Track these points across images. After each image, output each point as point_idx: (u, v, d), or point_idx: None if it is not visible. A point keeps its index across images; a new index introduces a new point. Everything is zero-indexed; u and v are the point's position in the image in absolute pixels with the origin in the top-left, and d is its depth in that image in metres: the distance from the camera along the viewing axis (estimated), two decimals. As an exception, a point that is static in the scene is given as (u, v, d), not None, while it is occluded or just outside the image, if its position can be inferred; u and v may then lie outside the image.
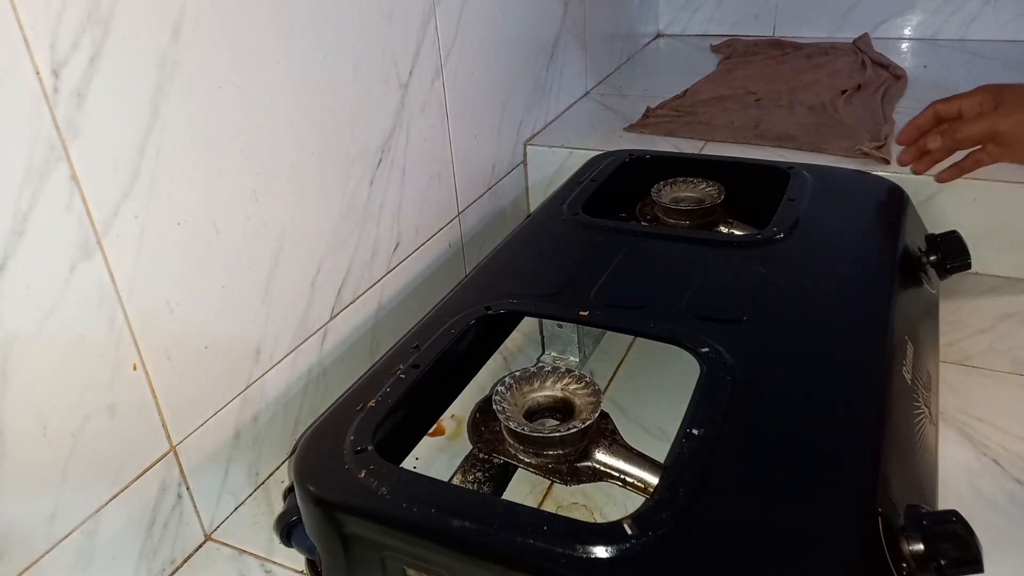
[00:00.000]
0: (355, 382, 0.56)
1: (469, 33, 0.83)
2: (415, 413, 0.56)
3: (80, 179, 0.45)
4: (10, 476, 0.45)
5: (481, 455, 0.55)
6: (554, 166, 1.00)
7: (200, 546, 0.59)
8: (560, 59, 1.08)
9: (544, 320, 0.61)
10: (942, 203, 0.82)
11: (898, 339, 0.58)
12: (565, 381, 0.55)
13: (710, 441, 0.47)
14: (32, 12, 0.41)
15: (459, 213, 0.87)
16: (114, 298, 0.49)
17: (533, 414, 0.55)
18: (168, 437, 0.54)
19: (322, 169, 0.65)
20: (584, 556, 0.40)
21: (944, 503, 0.56)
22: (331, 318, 0.69)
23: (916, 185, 0.82)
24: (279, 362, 0.63)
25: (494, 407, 0.53)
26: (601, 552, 0.40)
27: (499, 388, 0.54)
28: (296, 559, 0.57)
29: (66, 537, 0.49)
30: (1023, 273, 0.82)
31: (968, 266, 0.73)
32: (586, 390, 0.54)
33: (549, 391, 0.55)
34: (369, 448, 0.48)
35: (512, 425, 0.51)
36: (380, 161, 0.71)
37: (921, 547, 0.41)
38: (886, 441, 0.48)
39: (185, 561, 0.58)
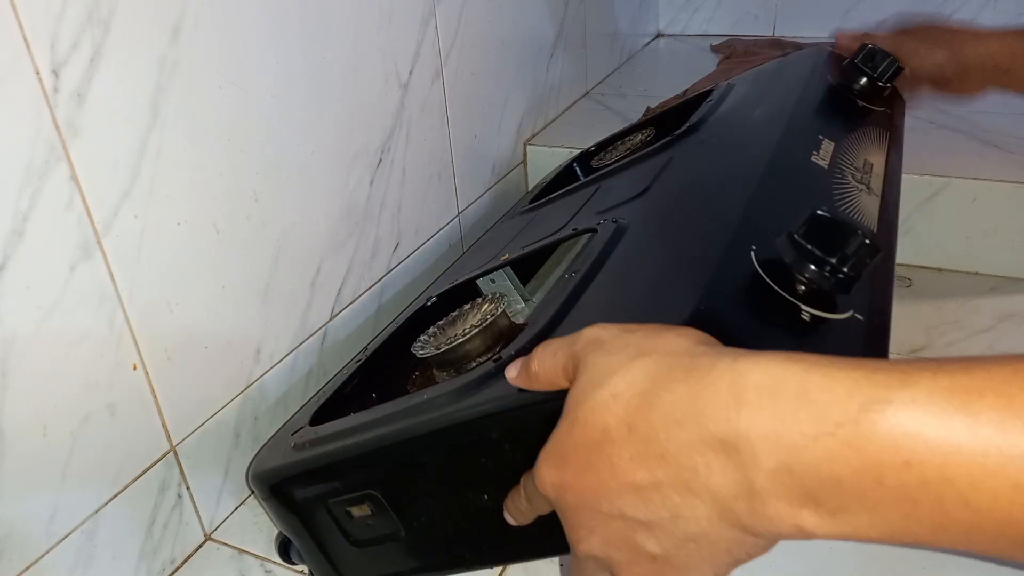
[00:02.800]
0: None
1: (469, 33, 0.83)
2: (358, 394, 0.56)
3: (80, 179, 0.45)
4: (10, 476, 0.45)
5: None
6: (554, 166, 1.00)
7: (200, 546, 0.59)
8: (560, 59, 1.08)
9: (479, 283, 0.61)
10: (942, 203, 0.82)
11: (803, 138, 0.56)
12: (484, 308, 0.53)
13: (582, 280, 0.46)
14: (32, 12, 0.41)
15: (459, 213, 0.87)
16: (114, 298, 0.49)
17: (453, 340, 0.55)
18: (168, 437, 0.54)
19: (322, 169, 0.65)
20: (461, 400, 0.41)
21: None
22: (331, 318, 0.69)
23: (915, 185, 0.82)
24: (279, 362, 0.63)
25: (413, 350, 0.52)
26: (478, 390, 0.41)
27: (422, 338, 0.54)
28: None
29: (66, 537, 0.49)
30: (1023, 273, 0.82)
31: (899, 68, 0.69)
32: (496, 302, 0.53)
33: (470, 323, 0.54)
34: (304, 427, 0.50)
35: (429, 352, 0.51)
36: (380, 161, 0.71)
37: (799, 257, 0.38)
38: (765, 203, 0.46)
39: (185, 561, 0.58)
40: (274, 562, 0.57)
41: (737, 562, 0.31)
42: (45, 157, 0.43)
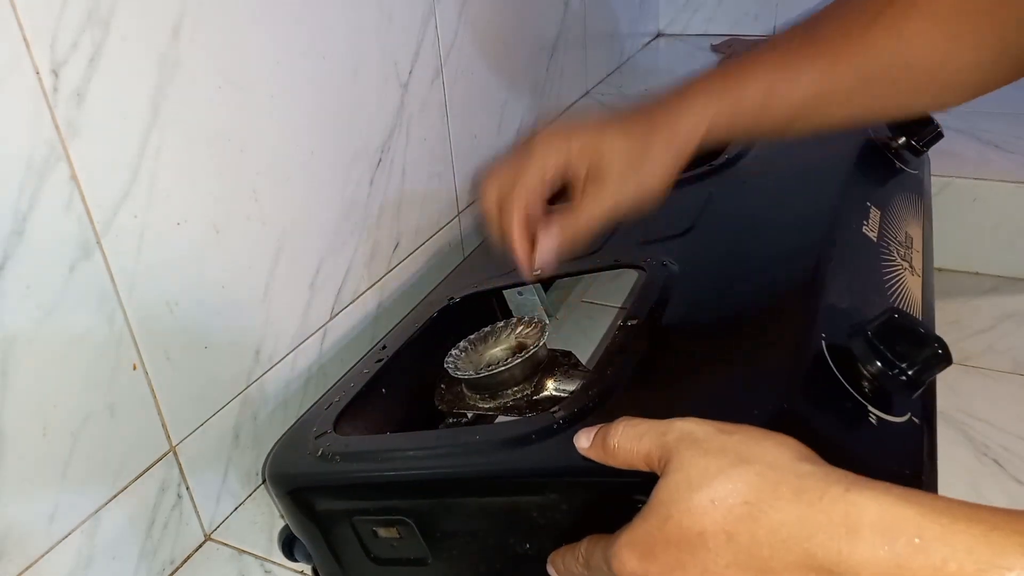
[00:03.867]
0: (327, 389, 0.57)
1: (469, 33, 0.83)
2: (380, 399, 0.56)
3: (80, 179, 0.45)
4: (10, 476, 0.45)
5: (449, 420, 0.55)
6: (554, 166, 1.00)
7: (200, 546, 0.59)
8: (560, 59, 1.08)
9: (505, 293, 0.61)
10: (942, 203, 0.82)
11: (855, 204, 0.57)
12: (519, 330, 0.53)
13: (643, 329, 0.46)
14: (32, 12, 0.41)
15: (459, 213, 0.87)
16: (114, 298, 0.49)
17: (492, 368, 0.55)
18: (168, 437, 0.54)
19: (322, 169, 0.64)
20: (519, 450, 0.40)
21: (944, 503, 0.56)
22: (331, 318, 0.69)
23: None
24: (279, 362, 0.63)
25: (446, 367, 0.52)
26: (539, 444, 0.40)
27: (453, 352, 0.54)
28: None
29: (66, 537, 0.49)
30: (1023, 273, 0.82)
31: (940, 134, 0.69)
32: (535, 328, 0.53)
33: (504, 344, 0.54)
34: (328, 431, 0.49)
35: (462, 374, 0.51)
36: (380, 161, 0.71)
37: (872, 357, 0.38)
38: (831, 281, 0.46)
39: (185, 561, 0.58)
40: (274, 562, 0.57)
41: None
42: (45, 157, 0.43)
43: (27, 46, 0.41)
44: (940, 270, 0.85)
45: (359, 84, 0.67)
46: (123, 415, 0.51)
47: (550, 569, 0.39)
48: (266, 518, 0.61)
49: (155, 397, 0.53)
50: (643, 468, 0.34)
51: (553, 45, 1.06)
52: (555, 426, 0.40)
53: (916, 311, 0.51)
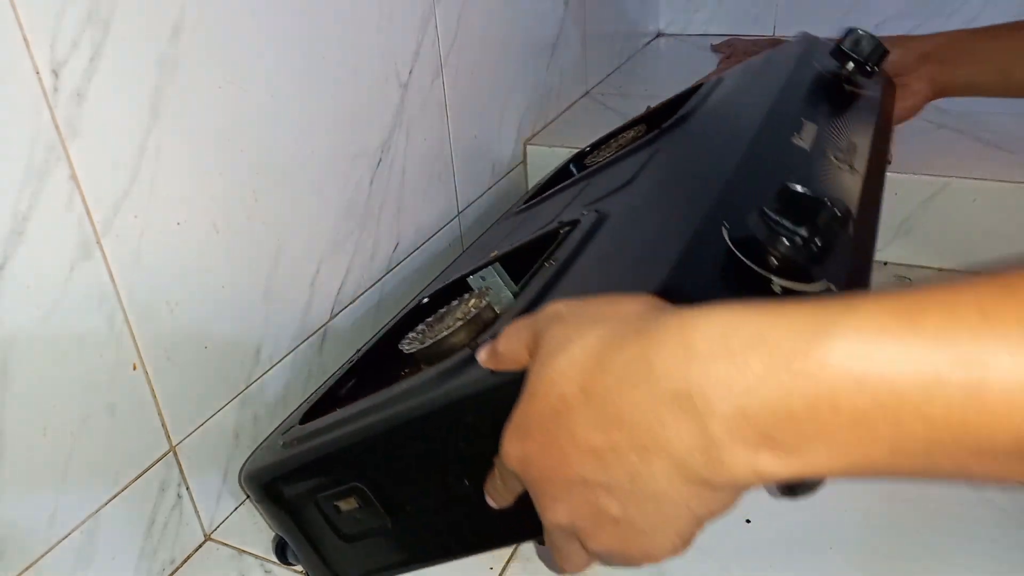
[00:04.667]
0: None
1: (469, 33, 0.83)
2: (348, 394, 0.57)
3: (80, 179, 0.45)
4: (10, 476, 0.45)
5: None
6: (554, 166, 1.00)
7: (200, 546, 0.59)
8: (560, 59, 1.08)
9: (469, 280, 0.62)
10: (942, 203, 0.82)
11: (786, 120, 0.57)
12: (471, 302, 0.53)
13: (560, 269, 0.47)
14: (32, 12, 0.41)
15: (459, 213, 0.87)
16: (114, 298, 0.49)
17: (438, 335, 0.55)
18: (168, 437, 0.54)
19: (322, 169, 0.65)
20: (439, 387, 0.41)
21: (944, 503, 0.56)
22: (331, 318, 0.69)
23: (915, 185, 0.82)
24: (279, 362, 0.63)
25: (400, 348, 0.52)
26: (454, 376, 0.41)
27: (409, 335, 0.54)
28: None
29: (66, 537, 0.49)
30: (1023, 273, 0.82)
31: (885, 51, 0.70)
32: (480, 296, 0.53)
33: (456, 315, 0.54)
34: (295, 426, 0.51)
35: (415, 348, 0.51)
36: (380, 161, 0.71)
37: (771, 232, 0.38)
38: (739, 180, 0.47)
39: (185, 561, 0.58)
40: (273, 562, 0.57)
41: (700, 520, 0.30)
42: (45, 157, 0.43)
43: (27, 46, 0.41)
44: (940, 270, 0.85)
45: (359, 84, 0.67)
46: (123, 415, 0.51)
47: (488, 500, 0.39)
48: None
49: (155, 397, 0.53)
50: (528, 361, 0.34)
51: (553, 45, 1.06)
52: (468, 357, 0.41)
53: (852, 205, 0.50)
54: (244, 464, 0.55)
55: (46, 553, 0.47)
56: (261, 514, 0.52)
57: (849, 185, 0.52)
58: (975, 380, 0.23)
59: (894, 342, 0.24)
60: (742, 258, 0.39)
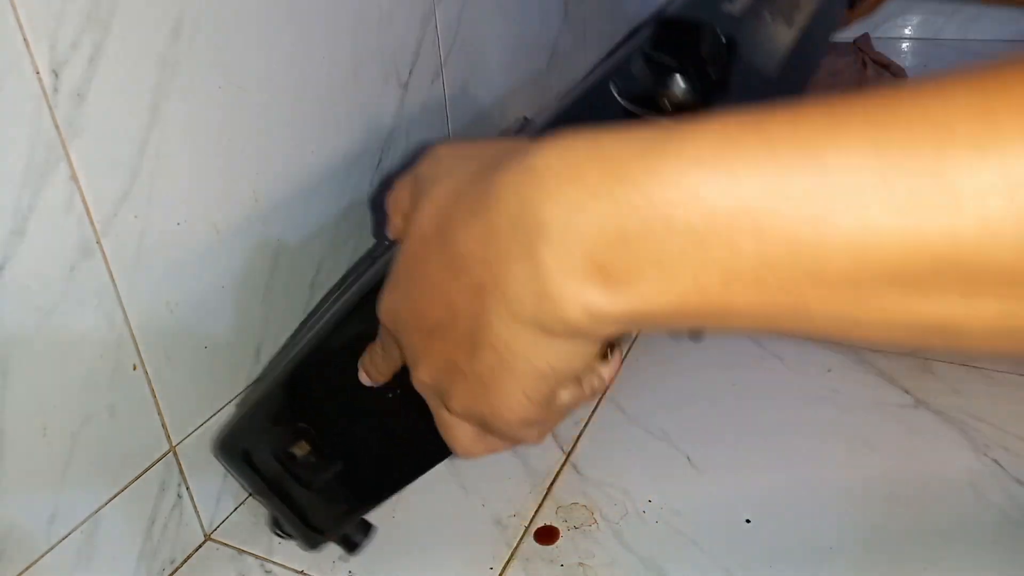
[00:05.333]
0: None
1: (469, 33, 0.83)
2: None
3: (80, 179, 0.45)
4: (10, 476, 0.45)
5: None
6: (554, 166, 1.00)
7: (200, 546, 0.59)
8: (560, 59, 1.08)
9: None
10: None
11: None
12: None
13: None
14: (32, 12, 0.41)
15: (459, 213, 0.87)
16: (114, 298, 0.49)
17: None
18: (168, 437, 0.54)
19: (322, 168, 0.64)
20: (352, 294, 0.41)
21: (944, 503, 0.56)
22: (331, 318, 0.69)
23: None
24: (279, 362, 0.63)
25: None
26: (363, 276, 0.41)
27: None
28: (296, 559, 0.57)
29: (66, 537, 0.49)
30: (1023, 273, 0.82)
31: None
32: None
33: None
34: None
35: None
36: (380, 161, 0.71)
37: (656, 73, 0.34)
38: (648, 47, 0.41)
39: (185, 561, 0.58)
40: (274, 562, 0.57)
41: (542, 376, 0.28)
42: (45, 157, 0.43)
43: (27, 46, 0.41)
44: (940, 270, 0.85)
45: (359, 84, 0.67)
46: (123, 415, 0.51)
47: (361, 376, 0.38)
48: (266, 518, 0.61)
49: (155, 397, 0.53)
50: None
51: (553, 45, 1.06)
52: (377, 255, 0.41)
53: (783, 52, 0.46)
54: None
55: (46, 553, 0.47)
56: (238, 481, 0.52)
57: (780, 35, 0.47)
58: (812, 191, 0.21)
59: (734, 155, 0.22)
60: (633, 109, 0.36)
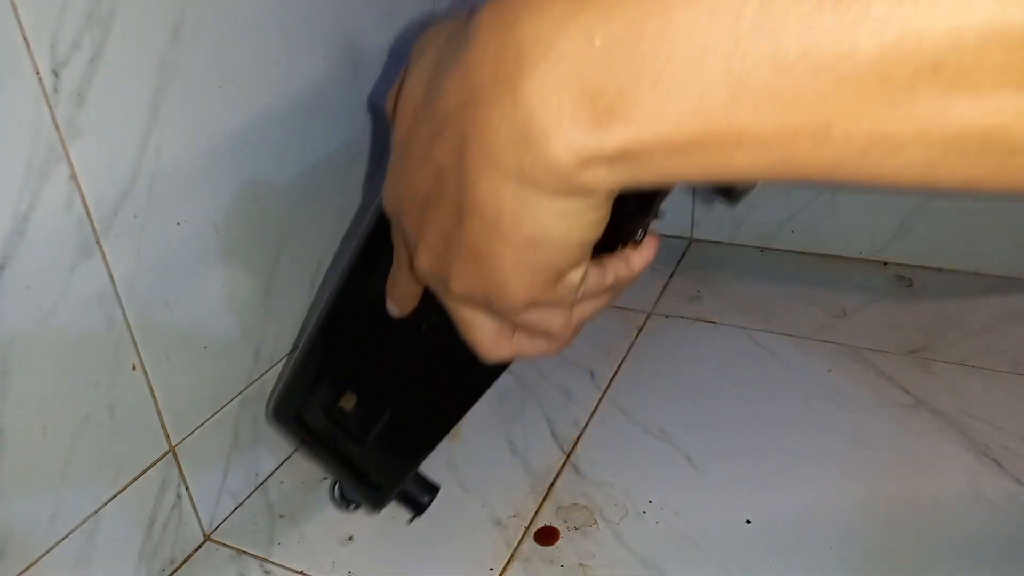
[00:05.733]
0: None
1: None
2: None
3: (80, 179, 0.45)
4: (10, 476, 0.45)
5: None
6: (554, 166, 1.00)
7: (200, 546, 0.59)
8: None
9: None
10: (942, 203, 0.82)
11: None
12: None
13: None
14: (32, 12, 0.41)
15: (459, 213, 0.87)
16: (114, 298, 0.49)
17: None
18: (167, 437, 0.54)
19: (322, 168, 0.64)
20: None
21: (944, 503, 0.56)
22: (331, 318, 0.69)
23: (916, 185, 0.82)
24: (279, 362, 0.63)
25: None
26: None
27: None
28: (296, 559, 0.57)
29: (66, 537, 0.49)
30: (1023, 273, 0.82)
31: None
32: None
33: None
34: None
35: None
36: (382, 160, 0.71)
37: None
38: None
39: (185, 561, 0.58)
40: (273, 562, 0.57)
41: (535, 243, 0.25)
42: (45, 157, 0.43)
43: (27, 46, 0.41)
44: (940, 270, 0.85)
45: (359, 83, 0.67)
46: (123, 415, 0.51)
47: (390, 307, 0.37)
48: (266, 518, 0.61)
49: (154, 397, 0.53)
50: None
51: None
52: None
53: None
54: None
55: (46, 553, 0.47)
56: (297, 447, 0.52)
57: None
58: None
59: None
60: None
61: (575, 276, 0.27)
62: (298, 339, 0.65)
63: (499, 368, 0.43)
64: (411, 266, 0.31)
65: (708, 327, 0.79)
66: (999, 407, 0.65)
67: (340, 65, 0.64)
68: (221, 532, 0.60)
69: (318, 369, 0.48)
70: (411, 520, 0.56)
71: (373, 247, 0.41)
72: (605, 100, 0.20)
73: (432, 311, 0.35)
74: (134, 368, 0.51)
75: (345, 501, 0.57)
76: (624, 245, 0.32)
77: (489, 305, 0.29)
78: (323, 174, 0.65)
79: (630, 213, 0.31)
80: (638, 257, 0.30)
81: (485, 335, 0.31)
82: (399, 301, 0.37)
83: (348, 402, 0.47)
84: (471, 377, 0.44)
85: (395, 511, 0.60)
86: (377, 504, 0.52)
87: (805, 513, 0.57)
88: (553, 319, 0.29)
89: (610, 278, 0.30)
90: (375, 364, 0.46)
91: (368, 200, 0.70)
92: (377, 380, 0.46)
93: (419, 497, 0.53)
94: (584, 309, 0.31)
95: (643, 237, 0.30)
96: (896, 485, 0.58)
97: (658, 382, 0.71)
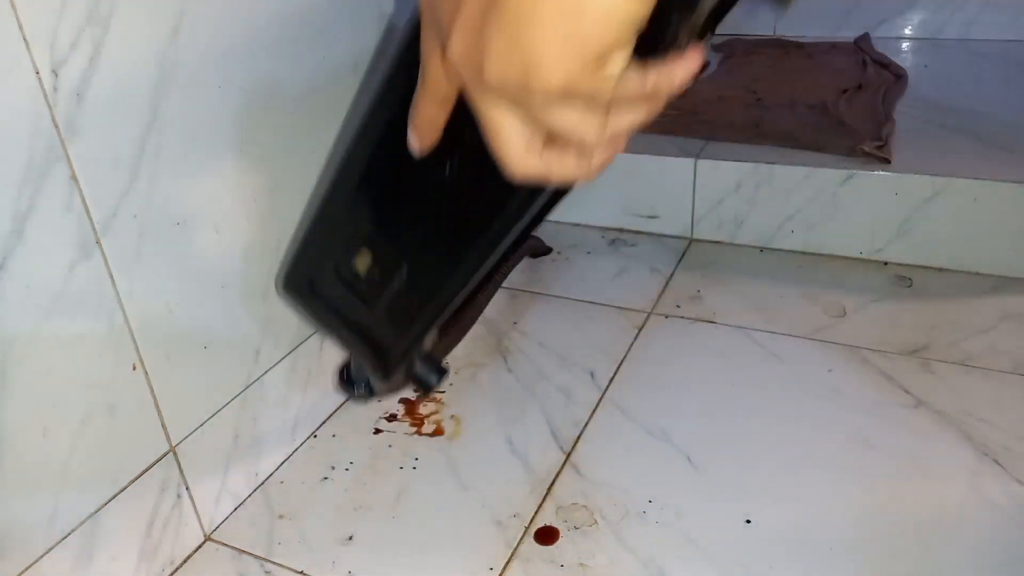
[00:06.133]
0: None
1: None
2: None
3: (80, 179, 0.45)
4: (10, 476, 0.45)
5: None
6: (554, 166, 1.00)
7: (200, 546, 0.59)
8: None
9: None
10: (942, 203, 0.82)
11: None
12: None
13: None
14: (32, 12, 0.41)
15: (459, 213, 0.87)
16: (113, 298, 0.49)
17: None
18: (167, 437, 0.54)
19: (323, 168, 0.64)
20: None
21: (944, 503, 0.56)
22: (331, 318, 0.69)
23: (915, 185, 0.82)
24: (279, 362, 0.63)
25: None
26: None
27: None
28: (296, 559, 0.57)
29: (66, 537, 0.49)
30: (1023, 273, 0.82)
31: None
32: None
33: None
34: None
35: None
36: (380, 161, 0.71)
37: None
38: None
39: (185, 561, 0.58)
40: (274, 562, 0.57)
41: (575, 9, 0.25)
42: (45, 157, 0.43)
43: (27, 46, 0.41)
44: (940, 270, 0.85)
45: (359, 82, 0.67)
46: (123, 415, 0.51)
47: (412, 140, 0.36)
48: (266, 518, 0.61)
49: (155, 397, 0.53)
50: None
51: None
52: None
53: None
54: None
55: (46, 553, 0.47)
56: (305, 319, 0.51)
57: None
58: None
59: None
60: None
61: (614, 65, 0.26)
62: (297, 337, 0.65)
63: (520, 215, 0.40)
64: (443, 58, 0.30)
65: (708, 327, 0.79)
66: (999, 407, 0.65)
67: (340, 64, 0.64)
68: (221, 532, 0.60)
69: (333, 225, 0.45)
70: (416, 393, 0.53)
71: (397, 79, 0.38)
72: None
73: (456, 146, 0.34)
74: (134, 368, 0.51)
75: (351, 384, 0.55)
76: (668, 52, 0.31)
77: (522, 96, 0.28)
78: (324, 173, 0.65)
79: (678, 6, 0.30)
80: (681, 66, 0.28)
81: (514, 143, 0.30)
82: (422, 129, 0.35)
83: (363, 262, 0.45)
84: (491, 226, 0.41)
85: (395, 511, 0.60)
86: (385, 375, 0.50)
87: (805, 513, 0.57)
88: (587, 123, 0.28)
89: (650, 82, 0.29)
90: (394, 214, 0.43)
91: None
92: (395, 232, 0.44)
93: (427, 377, 0.52)
94: (620, 119, 0.30)
95: (687, 46, 0.29)
96: (896, 485, 0.58)
97: (658, 382, 0.71)
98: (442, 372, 0.52)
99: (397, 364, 0.49)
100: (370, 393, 0.54)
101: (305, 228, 0.48)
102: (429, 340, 0.50)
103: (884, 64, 1.21)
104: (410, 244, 0.44)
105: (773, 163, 0.89)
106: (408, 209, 0.43)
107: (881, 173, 0.84)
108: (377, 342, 0.49)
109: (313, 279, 0.48)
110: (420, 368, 0.52)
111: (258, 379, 0.61)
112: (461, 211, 0.41)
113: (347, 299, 0.47)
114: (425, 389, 0.53)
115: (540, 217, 0.37)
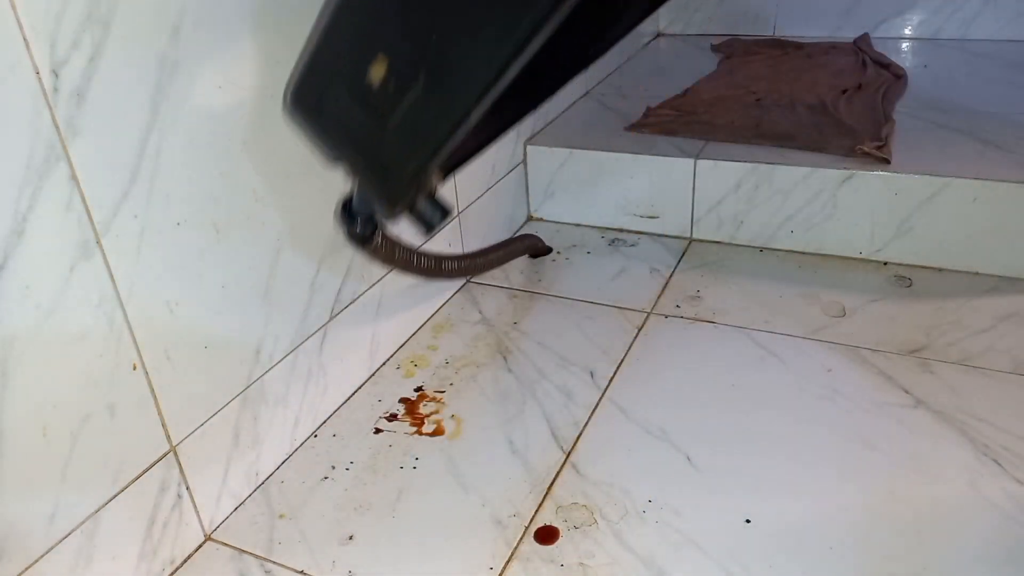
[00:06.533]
0: None
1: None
2: None
3: (80, 179, 0.45)
4: (10, 476, 0.45)
5: None
6: (554, 166, 1.00)
7: (200, 546, 0.59)
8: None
9: None
10: (942, 203, 0.82)
11: None
12: None
13: None
14: (32, 12, 0.41)
15: (459, 213, 0.87)
16: (114, 298, 0.49)
17: None
18: (168, 437, 0.54)
19: (322, 168, 0.64)
20: None
21: (944, 503, 0.56)
22: (331, 318, 0.69)
23: (915, 185, 0.82)
24: (279, 362, 0.63)
25: None
26: None
27: None
28: (296, 559, 0.57)
29: (66, 537, 0.49)
30: (1023, 273, 0.82)
31: None
32: None
33: None
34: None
35: None
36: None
37: None
38: None
39: (185, 561, 0.58)
40: (274, 562, 0.57)
41: None
42: (45, 157, 0.43)
43: (27, 46, 0.41)
44: (940, 270, 0.85)
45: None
46: (123, 415, 0.51)
47: None
48: (266, 518, 0.61)
49: (155, 397, 0.53)
50: None
51: (553, 45, 1.06)
52: None
53: None
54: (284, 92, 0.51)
55: (46, 553, 0.47)
56: (312, 140, 0.48)
57: None
58: None
59: None
60: None
61: None
62: (298, 337, 0.65)
63: (553, 9, 0.37)
64: None
65: (708, 327, 0.79)
66: (999, 407, 0.65)
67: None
68: (221, 532, 0.60)
69: (349, 32, 0.43)
70: (422, 235, 0.49)
71: None
72: None
73: None
74: (134, 368, 0.51)
75: (351, 219, 0.52)
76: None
77: None
78: (323, 174, 0.65)
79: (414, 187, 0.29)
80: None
81: None
82: None
83: (378, 72, 0.43)
84: (508, 36, 0.38)
85: (395, 510, 0.60)
86: (392, 202, 0.48)
87: (805, 513, 0.57)
88: None
89: None
90: (420, 13, 0.40)
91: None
92: (419, 34, 0.40)
93: (431, 215, 0.50)
94: None
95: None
96: (896, 485, 0.58)
97: (658, 382, 0.71)
98: (445, 212, 0.50)
99: (404, 189, 0.47)
100: (370, 232, 0.51)
101: (316, 39, 0.45)
102: (436, 178, 0.47)
103: (884, 64, 1.21)
104: (432, 46, 0.40)
105: (773, 163, 0.89)
106: (436, 4, 0.40)
107: (881, 173, 0.84)
108: (385, 162, 0.46)
109: (322, 95, 0.45)
110: (424, 206, 0.49)
111: (258, 379, 0.61)
112: (488, 8, 0.38)
113: (357, 116, 0.45)
114: (427, 227, 0.49)
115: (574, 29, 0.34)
